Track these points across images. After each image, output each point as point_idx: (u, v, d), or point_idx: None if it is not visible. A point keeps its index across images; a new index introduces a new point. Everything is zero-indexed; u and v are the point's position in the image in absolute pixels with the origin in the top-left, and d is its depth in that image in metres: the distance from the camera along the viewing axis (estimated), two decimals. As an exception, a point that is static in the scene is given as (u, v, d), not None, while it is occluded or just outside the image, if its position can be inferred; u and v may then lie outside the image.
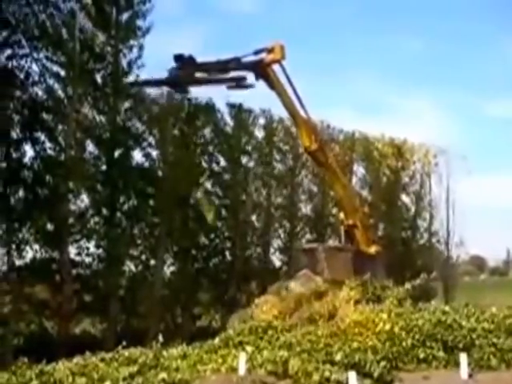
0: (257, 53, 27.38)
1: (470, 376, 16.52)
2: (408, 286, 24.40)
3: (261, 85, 27.39)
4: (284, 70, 27.40)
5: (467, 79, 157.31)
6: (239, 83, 27.53)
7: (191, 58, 25.61)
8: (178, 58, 25.71)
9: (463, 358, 16.62)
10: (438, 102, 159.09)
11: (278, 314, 23.90)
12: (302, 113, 28.42)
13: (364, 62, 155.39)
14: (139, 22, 36.57)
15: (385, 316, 19.55)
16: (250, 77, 27.24)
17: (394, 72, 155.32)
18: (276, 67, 27.34)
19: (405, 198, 52.31)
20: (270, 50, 27.08)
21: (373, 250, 29.94)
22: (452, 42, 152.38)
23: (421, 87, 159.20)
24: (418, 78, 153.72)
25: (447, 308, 21.91)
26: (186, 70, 25.89)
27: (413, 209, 52.07)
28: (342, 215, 30.39)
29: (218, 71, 27.05)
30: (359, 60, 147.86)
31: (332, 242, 42.07)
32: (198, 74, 26.35)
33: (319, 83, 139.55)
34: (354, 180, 49.85)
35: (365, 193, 49.83)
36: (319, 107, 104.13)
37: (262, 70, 27.24)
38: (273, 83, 27.52)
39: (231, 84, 27.80)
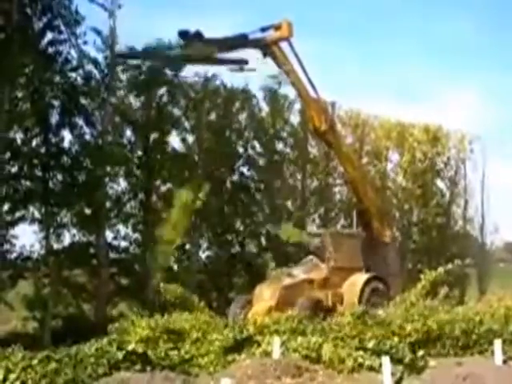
0: (264, 30, 27.03)
1: (505, 362, 16.50)
2: (441, 269, 24.37)
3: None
4: (292, 47, 27.03)
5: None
6: (242, 66, 27.27)
7: (198, 34, 25.23)
8: (184, 34, 25.46)
9: (497, 343, 16.63)
10: (483, 88, 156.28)
11: (278, 301, 23.98)
12: (311, 92, 28.13)
13: (410, 49, 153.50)
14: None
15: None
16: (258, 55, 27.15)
17: (441, 58, 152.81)
18: (284, 45, 27.13)
19: (439, 183, 51.96)
20: (278, 27, 26.70)
21: (386, 236, 29.37)
22: (504, 28, 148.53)
23: (467, 74, 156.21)
24: (464, 64, 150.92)
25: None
26: (192, 47, 25.55)
27: (447, 195, 51.72)
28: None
29: (224, 48, 26.72)
30: (405, 47, 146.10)
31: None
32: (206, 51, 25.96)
33: (362, 70, 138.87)
34: (390, 166, 49.76)
35: (399, 178, 49.71)
36: (361, 94, 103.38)
37: (268, 47, 26.93)
38: (280, 61, 27.18)
39: (234, 67, 27.55)
